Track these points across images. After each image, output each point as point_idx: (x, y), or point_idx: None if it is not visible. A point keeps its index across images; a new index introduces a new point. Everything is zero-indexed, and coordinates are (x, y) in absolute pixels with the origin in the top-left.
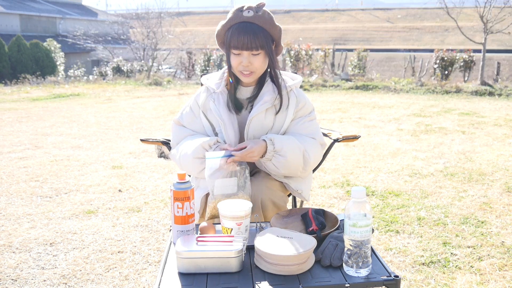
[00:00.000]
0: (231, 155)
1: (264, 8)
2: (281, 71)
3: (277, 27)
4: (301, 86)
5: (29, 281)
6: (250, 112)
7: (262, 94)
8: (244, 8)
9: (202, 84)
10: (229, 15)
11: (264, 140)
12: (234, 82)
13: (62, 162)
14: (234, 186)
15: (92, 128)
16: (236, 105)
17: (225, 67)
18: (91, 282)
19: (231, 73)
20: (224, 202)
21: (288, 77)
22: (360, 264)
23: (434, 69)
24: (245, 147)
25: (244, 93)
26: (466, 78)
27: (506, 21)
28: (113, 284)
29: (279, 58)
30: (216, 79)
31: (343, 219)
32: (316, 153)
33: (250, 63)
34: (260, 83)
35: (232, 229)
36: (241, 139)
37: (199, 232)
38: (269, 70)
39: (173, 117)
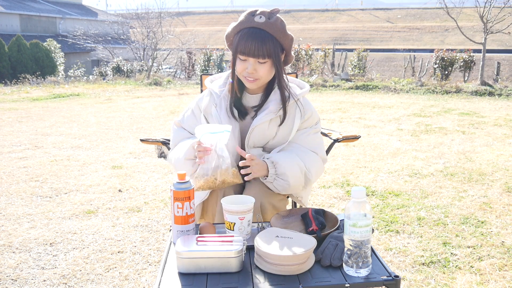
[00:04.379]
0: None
1: (277, 15)
2: (288, 78)
3: (288, 36)
4: None
5: (29, 281)
6: (254, 119)
7: (268, 103)
8: (257, 13)
9: (202, 84)
10: (241, 18)
11: (265, 161)
12: (236, 86)
13: (62, 162)
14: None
15: (92, 128)
16: (241, 112)
17: (229, 70)
18: (91, 282)
19: (234, 76)
20: (228, 197)
21: (296, 85)
22: (360, 264)
23: (434, 69)
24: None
25: (250, 100)
26: (466, 78)
27: (506, 21)
28: (113, 284)
29: None
30: (220, 82)
31: (343, 219)
32: (318, 170)
33: (255, 70)
34: (267, 91)
35: (235, 223)
36: (242, 146)
37: (199, 232)
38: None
39: (173, 118)
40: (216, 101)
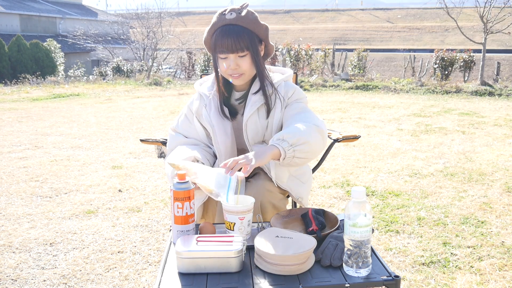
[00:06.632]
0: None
1: (247, 8)
2: (271, 67)
3: (262, 26)
4: (301, 86)
5: (29, 281)
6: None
7: (250, 95)
8: (227, 11)
9: None
10: (213, 20)
11: (274, 144)
12: (223, 87)
13: (62, 162)
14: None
15: (92, 128)
16: (231, 111)
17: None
18: (91, 282)
19: (218, 77)
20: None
21: (279, 73)
22: (360, 264)
23: (434, 69)
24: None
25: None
26: (466, 78)
27: (506, 21)
28: (113, 284)
29: (279, 58)
30: (209, 83)
31: (343, 219)
32: (320, 121)
33: (238, 65)
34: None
35: (235, 223)
36: (240, 144)
37: (199, 232)
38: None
39: (173, 118)
40: (205, 102)
